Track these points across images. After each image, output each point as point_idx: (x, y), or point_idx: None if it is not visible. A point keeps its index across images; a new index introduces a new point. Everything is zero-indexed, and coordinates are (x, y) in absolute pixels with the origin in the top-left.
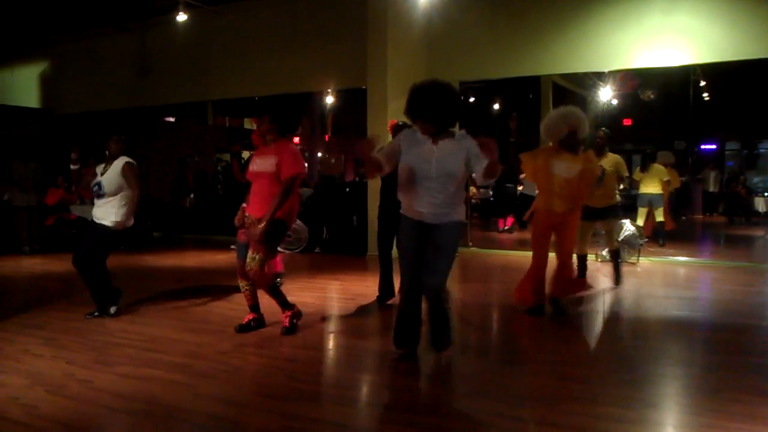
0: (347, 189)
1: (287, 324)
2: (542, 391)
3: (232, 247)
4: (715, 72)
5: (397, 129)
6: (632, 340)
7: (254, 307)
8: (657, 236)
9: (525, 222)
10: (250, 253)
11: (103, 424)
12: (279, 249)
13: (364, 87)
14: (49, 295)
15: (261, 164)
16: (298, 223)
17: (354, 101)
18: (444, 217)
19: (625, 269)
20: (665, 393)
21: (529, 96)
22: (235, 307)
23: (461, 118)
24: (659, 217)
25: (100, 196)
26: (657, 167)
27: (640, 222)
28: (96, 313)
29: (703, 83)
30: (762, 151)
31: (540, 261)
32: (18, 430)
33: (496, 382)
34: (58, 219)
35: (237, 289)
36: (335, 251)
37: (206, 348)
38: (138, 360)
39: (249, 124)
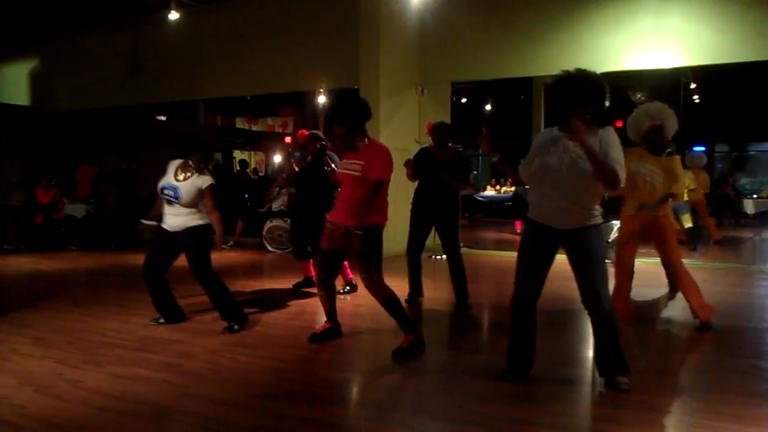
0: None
1: (405, 346)
2: (535, 392)
3: (224, 246)
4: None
5: (434, 128)
6: (625, 341)
7: (331, 315)
8: (691, 241)
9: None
10: (360, 270)
11: (93, 424)
12: (273, 249)
13: (356, 87)
14: (38, 294)
15: (346, 167)
16: (289, 223)
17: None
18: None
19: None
20: (655, 394)
21: (521, 97)
22: None
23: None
24: (687, 223)
25: (172, 203)
26: (685, 174)
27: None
28: (234, 327)
29: (693, 86)
30: (751, 153)
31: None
32: (6, 430)
33: (488, 383)
34: (47, 218)
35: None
36: None
37: (196, 348)
38: (128, 360)
39: (241, 123)
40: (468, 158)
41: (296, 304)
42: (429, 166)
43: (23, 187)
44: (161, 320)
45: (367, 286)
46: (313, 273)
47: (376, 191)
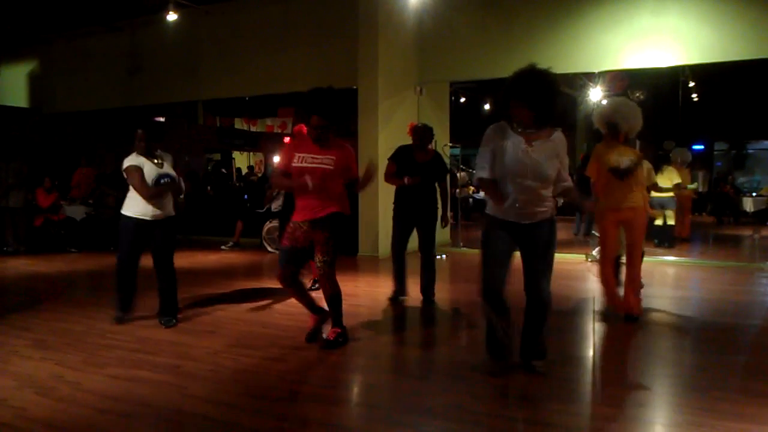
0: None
1: (332, 338)
2: (532, 391)
3: (223, 247)
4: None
5: (415, 129)
6: (620, 339)
7: (312, 308)
8: (664, 238)
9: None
10: (319, 257)
11: (93, 425)
12: (273, 250)
13: (355, 87)
14: (38, 296)
15: (314, 161)
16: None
17: (345, 101)
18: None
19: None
20: (654, 392)
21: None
22: (225, 308)
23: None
24: (670, 219)
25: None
26: (669, 170)
27: (659, 222)
28: (174, 321)
29: (692, 84)
30: (750, 151)
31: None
32: None
33: (485, 381)
34: (46, 220)
35: (227, 290)
36: None
37: (196, 349)
38: (127, 361)
39: (240, 124)
40: (443, 160)
41: (296, 305)
42: (408, 167)
43: (20, 188)
44: (124, 317)
45: (321, 275)
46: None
47: (355, 188)
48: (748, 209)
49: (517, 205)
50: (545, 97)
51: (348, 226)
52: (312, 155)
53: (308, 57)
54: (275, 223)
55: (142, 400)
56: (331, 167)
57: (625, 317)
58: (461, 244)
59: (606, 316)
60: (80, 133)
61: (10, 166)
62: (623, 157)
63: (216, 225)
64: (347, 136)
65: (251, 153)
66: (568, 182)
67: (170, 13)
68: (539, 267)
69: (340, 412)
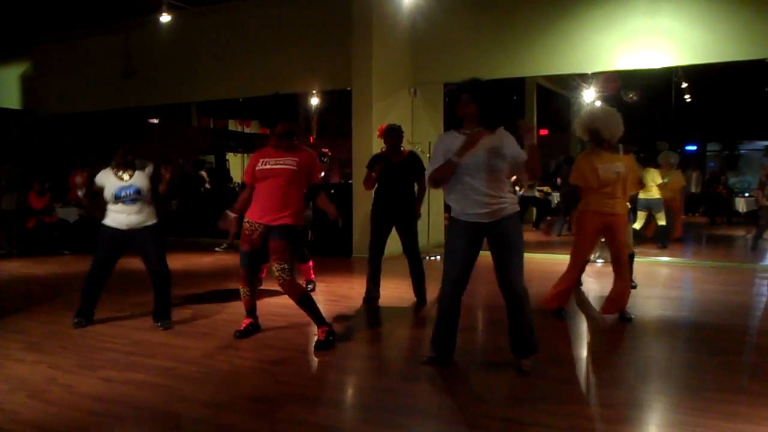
0: (332, 191)
1: (322, 338)
2: (527, 392)
3: (217, 249)
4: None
5: (387, 132)
6: (614, 339)
7: (251, 311)
8: (658, 239)
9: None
10: (276, 265)
11: (86, 429)
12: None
13: (348, 88)
14: (31, 298)
15: (278, 163)
16: None
17: (339, 103)
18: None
19: (602, 269)
20: (647, 392)
21: (513, 97)
22: (220, 310)
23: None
24: (661, 221)
25: (135, 202)
26: (652, 171)
27: (638, 226)
28: (169, 323)
29: (685, 85)
30: (743, 152)
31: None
32: None
33: (480, 383)
34: (39, 222)
35: (221, 292)
36: (320, 253)
37: (191, 351)
38: (121, 364)
39: (233, 125)
40: (419, 159)
41: (289, 307)
42: (385, 169)
43: (13, 191)
44: (84, 322)
45: (282, 283)
46: (313, 275)
47: (315, 193)
48: (740, 210)
49: (476, 201)
50: (490, 95)
51: (301, 234)
52: (276, 159)
53: (302, 58)
54: None
55: (135, 403)
56: (295, 168)
57: (620, 317)
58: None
59: (596, 315)
60: (75, 135)
61: (3, 169)
62: (610, 169)
63: (210, 227)
64: (342, 138)
65: (245, 155)
66: (521, 157)
67: (164, 14)
68: (508, 263)
69: (334, 414)
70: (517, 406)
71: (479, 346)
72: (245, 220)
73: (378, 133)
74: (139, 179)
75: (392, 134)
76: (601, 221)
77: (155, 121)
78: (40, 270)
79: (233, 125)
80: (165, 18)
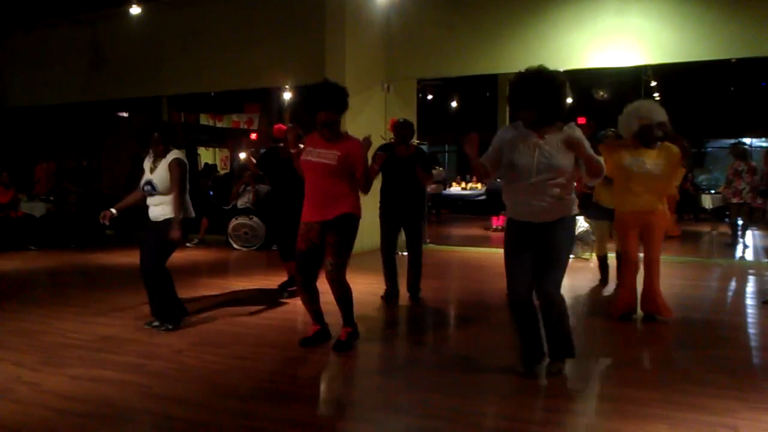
0: None
1: (344, 338)
2: (503, 387)
3: (188, 245)
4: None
5: (396, 127)
6: (582, 335)
7: (317, 317)
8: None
9: None
10: (330, 259)
11: (52, 427)
12: (239, 247)
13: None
14: None
15: (317, 156)
16: (255, 220)
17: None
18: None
19: (578, 265)
20: (615, 386)
21: (486, 93)
22: (189, 306)
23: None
24: None
25: (153, 194)
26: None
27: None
28: (159, 325)
29: (653, 84)
30: (709, 150)
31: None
32: None
33: (456, 378)
34: (4, 217)
35: (191, 287)
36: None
37: (160, 347)
38: (89, 361)
39: (205, 119)
40: (426, 153)
41: (263, 303)
42: (390, 163)
43: None
44: (155, 323)
45: (331, 279)
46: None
47: (363, 185)
48: (707, 206)
49: (529, 202)
50: (550, 100)
51: (355, 227)
52: (318, 150)
53: (275, 53)
54: (241, 219)
55: (104, 400)
56: (334, 163)
57: (621, 316)
58: (428, 240)
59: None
60: (40, 127)
61: None
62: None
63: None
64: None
65: (217, 149)
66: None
67: (134, 6)
68: (546, 267)
69: (308, 410)
70: (489, 401)
71: (455, 341)
72: (301, 221)
73: (389, 126)
74: (159, 172)
75: (400, 127)
76: (639, 220)
77: (125, 114)
78: (5, 266)
79: (205, 119)
80: (135, 10)
